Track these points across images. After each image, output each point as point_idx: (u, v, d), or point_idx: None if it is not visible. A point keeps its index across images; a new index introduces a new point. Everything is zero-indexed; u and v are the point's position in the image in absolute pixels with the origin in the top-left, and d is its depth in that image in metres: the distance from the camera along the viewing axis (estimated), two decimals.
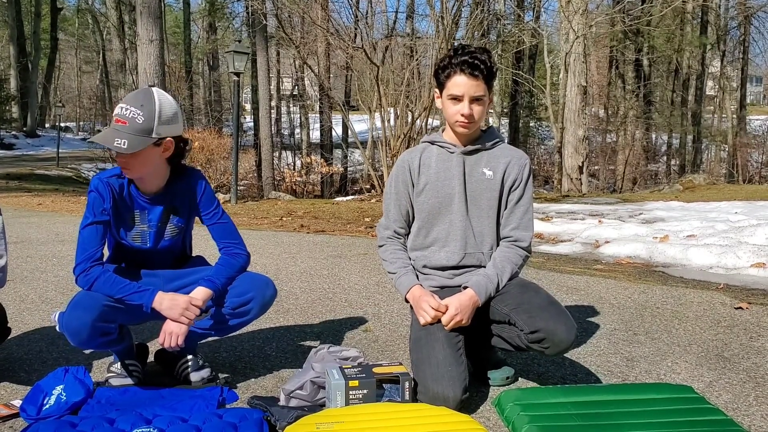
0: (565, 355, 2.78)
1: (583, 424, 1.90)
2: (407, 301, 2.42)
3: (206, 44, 30.88)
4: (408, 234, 2.52)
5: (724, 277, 4.26)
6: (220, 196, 12.43)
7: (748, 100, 32.64)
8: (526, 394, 2.08)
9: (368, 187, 14.08)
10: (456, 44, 2.61)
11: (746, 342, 2.98)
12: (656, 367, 2.66)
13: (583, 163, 16.50)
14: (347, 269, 4.78)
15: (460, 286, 2.41)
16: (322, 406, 2.16)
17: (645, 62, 26.67)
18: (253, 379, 2.49)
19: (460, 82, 2.28)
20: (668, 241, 5.27)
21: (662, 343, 2.96)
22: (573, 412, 1.96)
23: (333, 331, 3.18)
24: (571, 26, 15.42)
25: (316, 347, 2.38)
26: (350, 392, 2.09)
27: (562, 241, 6.02)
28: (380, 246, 2.52)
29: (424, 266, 2.46)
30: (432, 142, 2.48)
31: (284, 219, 8.70)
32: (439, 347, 2.21)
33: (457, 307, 2.26)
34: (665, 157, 28.96)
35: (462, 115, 2.30)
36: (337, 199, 14.25)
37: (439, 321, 2.27)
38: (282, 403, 2.18)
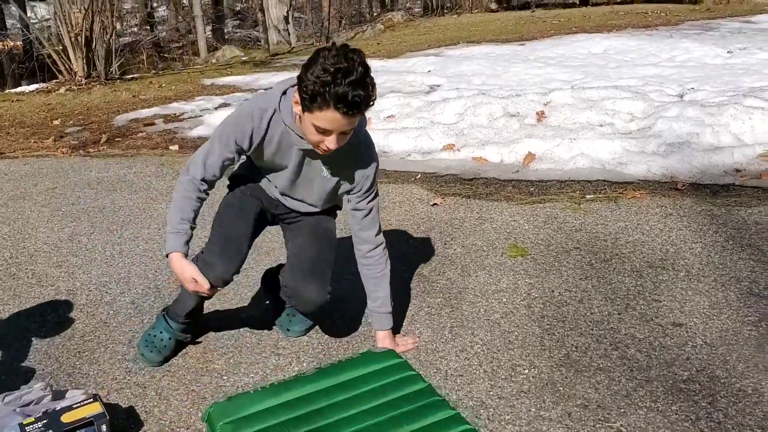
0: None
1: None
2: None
3: None
4: (213, 183, 2.23)
5: (421, 165, 4.48)
6: None
7: None
8: (234, 405, 1.98)
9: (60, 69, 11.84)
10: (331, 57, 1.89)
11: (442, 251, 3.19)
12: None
13: (288, 12, 16.10)
14: (34, 219, 3.97)
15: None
16: None
17: None
18: None
19: (332, 119, 1.88)
20: (371, 125, 5.38)
21: None
22: (284, 419, 1.92)
23: (17, 337, 2.66)
24: None
25: None
26: None
27: None
28: (183, 179, 2.18)
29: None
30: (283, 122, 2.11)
31: None
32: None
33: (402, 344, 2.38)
34: None
35: (327, 147, 1.98)
36: (19, 89, 12.13)
37: None
38: None
